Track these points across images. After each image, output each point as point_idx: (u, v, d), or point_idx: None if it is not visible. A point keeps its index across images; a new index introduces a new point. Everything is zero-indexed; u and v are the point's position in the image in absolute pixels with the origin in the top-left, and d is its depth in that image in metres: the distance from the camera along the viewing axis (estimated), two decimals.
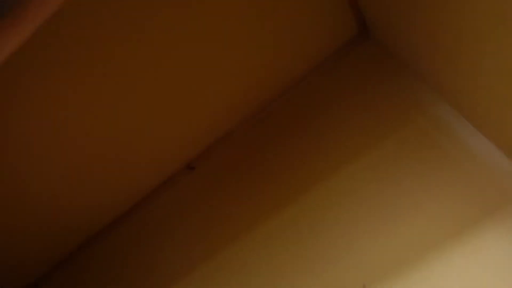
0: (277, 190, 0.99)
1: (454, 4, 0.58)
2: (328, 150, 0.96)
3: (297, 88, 1.09)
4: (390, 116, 0.91)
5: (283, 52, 0.99)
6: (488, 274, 0.71)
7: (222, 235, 1.03)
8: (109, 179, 1.08)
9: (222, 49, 0.91)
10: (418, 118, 0.89)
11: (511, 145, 0.74)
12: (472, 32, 0.58)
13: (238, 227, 1.01)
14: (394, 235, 0.81)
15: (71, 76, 0.77)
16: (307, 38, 0.99)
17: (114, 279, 1.15)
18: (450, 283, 0.73)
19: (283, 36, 0.94)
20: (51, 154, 0.94)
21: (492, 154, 0.79)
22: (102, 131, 0.95)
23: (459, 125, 0.84)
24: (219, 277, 0.97)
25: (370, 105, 0.95)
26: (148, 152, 1.08)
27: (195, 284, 1.00)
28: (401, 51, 0.94)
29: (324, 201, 0.91)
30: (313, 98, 1.05)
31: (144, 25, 0.76)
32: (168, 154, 1.12)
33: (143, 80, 0.87)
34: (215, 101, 1.03)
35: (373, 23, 0.99)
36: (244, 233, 0.99)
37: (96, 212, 1.17)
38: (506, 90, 0.61)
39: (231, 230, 1.02)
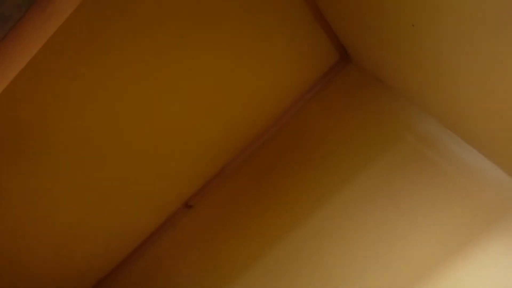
0: (274, 220, 0.98)
1: (429, 26, 0.60)
2: (321, 177, 0.96)
3: (285, 119, 1.10)
4: (379, 137, 0.92)
5: (266, 86, 1.02)
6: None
7: (225, 271, 1.01)
8: (107, 228, 1.08)
9: (210, 87, 0.93)
10: (407, 137, 0.90)
11: (504, 157, 0.74)
12: (450, 49, 0.59)
13: (241, 262, 0.99)
14: (395, 256, 0.79)
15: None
16: (289, 71, 1.02)
17: None
18: None
19: (264, 71, 0.97)
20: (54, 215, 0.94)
21: (486, 168, 0.79)
22: (100, 183, 0.96)
23: (451, 141, 0.85)
24: None
25: (358, 128, 0.96)
26: (146, 195, 1.08)
27: None
28: (384, 72, 0.96)
29: (319, 229, 0.90)
30: (301, 127, 1.07)
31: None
32: (165, 195, 1.12)
33: (132, 129, 0.89)
34: (206, 139, 1.04)
35: (353, 48, 1.02)
36: (246, 268, 0.98)
37: (98, 261, 1.15)
38: (490, 102, 0.62)
39: (234, 265, 1.00)
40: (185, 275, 1.08)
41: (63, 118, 0.74)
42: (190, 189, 1.15)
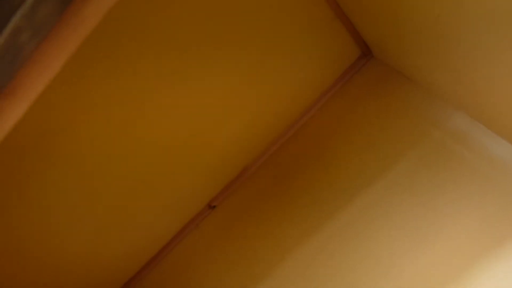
0: (298, 220, 0.97)
1: (450, 17, 0.58)
2: (345, 175, 0.94)
3: (307, 117, 1.09)
4: (405, 133, 0.90)
5: (287, 85, 1.01)
6: None
7: (249, 271, 1.01)
8: (133, 228, 1.10)
9: (231, 87, 0.94)
10: (435, 132, 0.87)
11: None
12: (480, 39, 0.57)
13: (265, 261, 0.99)
14: (423, 255, 0.77)
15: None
16: (310, 69, 1.01)
17: None
18: None
19: (285, 70, 0.97)
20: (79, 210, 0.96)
21: None
22: (124, 184, 0.97)
23: (482, 135, 0.82)
24: None
25: (383, 125, 0.94)
26: (170, 196, 1.09)
27: None
28: (408, 67, 0.94)
29: (345, 228, 0.88)
30: (323, 126, 1.05)
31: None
32: (188, 195, 1.13)
33: (157, 131, 0.90)
34: (228, 139, 1.05)
35: (375, 43, 1.00)
36: (271, 267, 0.97)
37: (124, 262, 1.17)
38: None
39: (258, 264, 1.00)
40: (209, 275, 1.09)
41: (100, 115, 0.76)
42: (213, 189, 1.16)
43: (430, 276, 0.75)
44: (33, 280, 1.08)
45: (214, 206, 1.18)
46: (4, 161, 0.79)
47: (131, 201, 1.04)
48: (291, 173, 1.06)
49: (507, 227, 0.73)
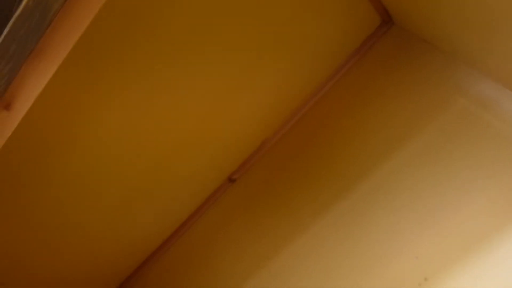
0: (319, 192, 0.97)
1: None
2: (367, 146, 0.93)
3: (327, 88, 1.08)
4: (430, 101, 0.88)
5: (306, 56, 0.99)
6: None
7: (270, 244, 1.02)
8: (156, 203, 1.13)
9: (251, 56, 0.92)
10: (459, 99, 0.84)
11: None
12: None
13: (286, 234, 1.00)
14: (454, 222, 0.76)
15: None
16: (329, 39, 0.98)
17: None
18: None
19: (304, 41, 0.95)
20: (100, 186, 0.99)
21: None
22: (145, 159, 0.99)
23: (508, 99, 0.79)
24: (277, 282, 0.96)
25: (407, 93, 0.92)
26: (190, 170, 1.11)
27: None
28: (430, 33, 0.91)
29: (370, 196, 0.88)
30: (347, 95, 1.04)
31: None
32: (209, 169, 1.15)
33: (178, 101, 0.91)
34: (249, 112, 1.04)
35: (397, 11, 0.97)
36: (292, 240, 0.98)
37: (146, 236, 1.21)
38: None
39: (280, 237, 1.01)
40: (230, 248, 1.11)
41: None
42: (233, 163, 1.17)
43: (454, 243, 0.75)
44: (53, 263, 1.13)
45: (234, 180, 1.19)
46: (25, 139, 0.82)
47: (153, 178, 1.06)
48: (311, 146, 1.05)
49: None
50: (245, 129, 1.09)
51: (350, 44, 1.04)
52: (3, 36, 0.31)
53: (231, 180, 1.20)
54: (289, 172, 1.07)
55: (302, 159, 1.06)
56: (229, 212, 1.16)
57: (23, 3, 0.30)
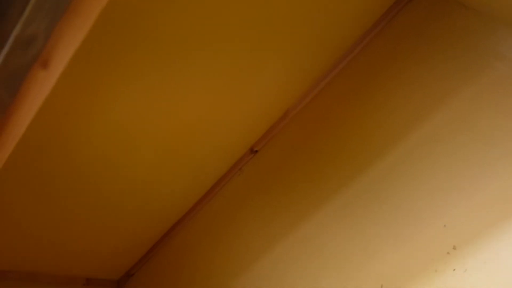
0: (344, 161, 0.96)
1: None
2: (401, 109, 0.90)
3: (354, 53, 1.04)
4: (464, 65, 0.83)
5: (336, 20, 0.95)
6: None
7: (293, 214, 1.03)
8: (181, 171, 1.14)
9: (272, 26, 0.90)
10: (496, 64, 0.80)
11: None
12: None
13: (309, 204, 1.00)
14: (485, 192, 0.74)
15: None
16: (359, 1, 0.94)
17: (196, 266, 1.21)
18: None
19: (333, 4, 0.91)
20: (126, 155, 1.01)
21: None
22: (170, 127, 1.00)
23: None
24: (293, 256, 0.97)
25: (440, 56, 0.87)
26: (213, 141, 1.11)
27: (272, 265, 1.01)
28: None
29: (402, 164, 0.86)
30: (373, 61, 1.00)
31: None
32: (231, 140, 1.14)
33: (202, 70, 0.89)
34: (271, 81, 1.03)
35: None
36: (314, 210, 0.98)
37: (171, 204, 1.23)
38: None
39: (302, 207, 1.01)
40: (253, 219, 1.12)
41: None
42: (255, 134, 1.17)
43: (486, 209, 0.73)
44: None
45: (257, 151, 1.19)
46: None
47: (175, 142, 1.07)
48: (337, 114, 1.03)
49: None
50: (267, 99, 1.08)
51: (380, 6, 0.99)
52: None
53: (253, 151, 1.20)
54: (313, 142, 1.05)
55: (328, 128, 1.04)
56: (251, 183, 1.17)
57: None
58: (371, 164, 0.91)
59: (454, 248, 0.73)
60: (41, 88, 0.32)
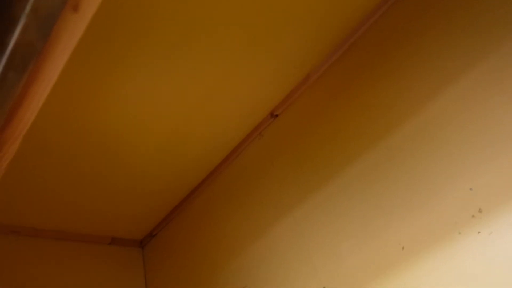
0: (371, 121, 0.94)
1: None
2: (427, 73, 0.87)
3: (381, 14, 0.99)
4: (491, 31, 0.79)
5: None
6: None
7: (313, 179, 1.03)
8: (201, 135, 1.15)
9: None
10: None
11: None
12: None
13: (329, 169, 0.99)
14: None
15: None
16: None
17: (215, 228, 1.24)
18: None
19: None
20: (149, 119, 1.02)
21: None
22: (189, 92, 0.99)
23: None
24: (313, 219, 0.98)
25: (465, 25, 0.83)
26: (233, 106, 1.11)
27: (291, 228, 1.03)
28: None
29: (426, 124, 0.84)
30: (400, 20, 0.95)
31: None
32: (251, 104, 1.14)
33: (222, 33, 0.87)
34: (291, 44, 1.00)
35: None
36: (334, 175, 0.98)
37: (193, 166, 1.25)
38: None
39: (322, 172, 1.01)
40: (272, 184, 1.13)
41: None
42: (275, 98, 1.15)
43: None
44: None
45: (277, 115, 1.18)
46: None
47: (198, 105, 1.07)
48: (359, 78, 1.00)
49: None
50: (288, 62, 1.05)
51: None
52: None
53: (273, 115, 1.19)
54: (335, 106, 1.03)
55: (347, 94, 1.01)
56: (271, 147, 1.16)
57: None
58: (395, 126, 0.89)
59: (480, 211, 0.72)
60: (72, 31, 0.31)
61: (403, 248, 0.80)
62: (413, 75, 0.89)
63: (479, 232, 0.71)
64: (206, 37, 0.89)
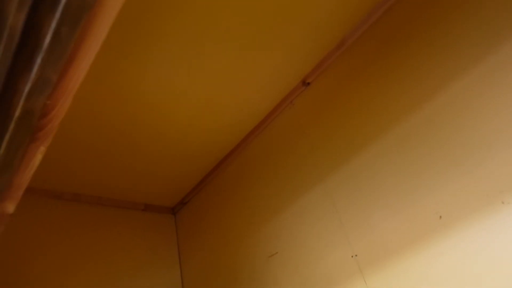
0: (408, 88, 0.90)
1: None
2: (465, 34, 0.81)
3: None
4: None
5: None
6: None
7: (346, 146, 1.01)
8: (232, 103, 1.14)
9: None
10: None
11: None
12: None
13: (365, 135, 0.97)
14: None
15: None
16: None
17: (245, 197, 1.26)
18: None
19: None
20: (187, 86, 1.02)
21: None
22: (222, 60, 0.98)
23: None
24: (344, 188, 0.97)
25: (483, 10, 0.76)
26: (263, 73, 1.09)
27: (323, 197, 1.03)
28: None
29: (466, 89, 0.79)
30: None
31: None
32: (282, 72, 1.11)
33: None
34: (324, 8, 0.95)
35: None
36: (367, 143, 0.96)
37: (225, 134, 1.26)
38: None
39: (355, 140, 0.99)
40: (303, 153, 1.12)
41: None
42: (307, 65, 1.12)
43: None
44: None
45: (309, 83, 1.16)
46: None
47: (232, 73, 1.06)
48: (394, 44, 0.95)
49: None
50: (321, 26, 1.01)
51: None
52: None
53: (305, 83, 1.16)
54: (369, 74, 1.00)
55: (383, 59, 0.97)
56: (303, 116, 1.15)
57: None
58: (436, 92, 0.85)
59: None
60: None
61: (440, 217, 0.78)
62: (460, 37, 0.84)
63: None
64: (236, 5, 0.87)
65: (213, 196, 1.41)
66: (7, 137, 0.41)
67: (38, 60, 0.33)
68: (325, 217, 1.01)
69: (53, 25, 0.31)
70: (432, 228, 0.78)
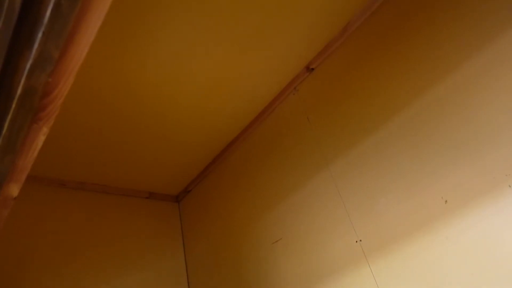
0: (413, 74, 0.89)
1: None
2: (473, 21, 0.80)
3: None
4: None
5: None
6: None
7: (351, 130, 1.00)
8: (236, 89, 1.13)
9: None
10: None
11: None
12: None
13: (370, 121, 0.96)
14: None
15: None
16: None
17: (248, 185, 1.25)
18: None
19: None
20: (190, 71, 1.01)
21: None
22: (226, 46, 0.97)
23: None
24: (349, 174, 0.96)
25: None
26: (267, 59, 1.08)
27: (327, 183, 1.02)
28: None
29: (472, 75, 0.78)
30: None
31: None
32: (286, 58, 1.10)
33: None
34: None
35: None
36: (376, 126, 0.95)
37: (229, 121, 1.25)
38: None
39: (360, 125, 0.98)
40: (307, 139, 1.11)
41: None
42: (311, 51, 1.11)
43: None
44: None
45: (313, 69, 1.14)
46: None
47: (236, 57, 1.05)
48: (399, 29, 0.93)
49: None
50: (325, 11, 0.99)
51: None
52: None
53: (309, 69, 1.15)
54: (374, 59, 0.98)
55: (387, 45, 0.95)
56: (307, 102, 1.14)
57: None
58: (440, 78, 0.83)
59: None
60: None
61: (446, 201, 0.78)
62: (462, 21, 0.82)
63: None
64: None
65: (217, 184, 1.41)
66: (9, 117, 0.40)
67: (39, 35, 0.32)
68: (329, 203, 1.00)
69: None
70: (437, 213, 0.78)
